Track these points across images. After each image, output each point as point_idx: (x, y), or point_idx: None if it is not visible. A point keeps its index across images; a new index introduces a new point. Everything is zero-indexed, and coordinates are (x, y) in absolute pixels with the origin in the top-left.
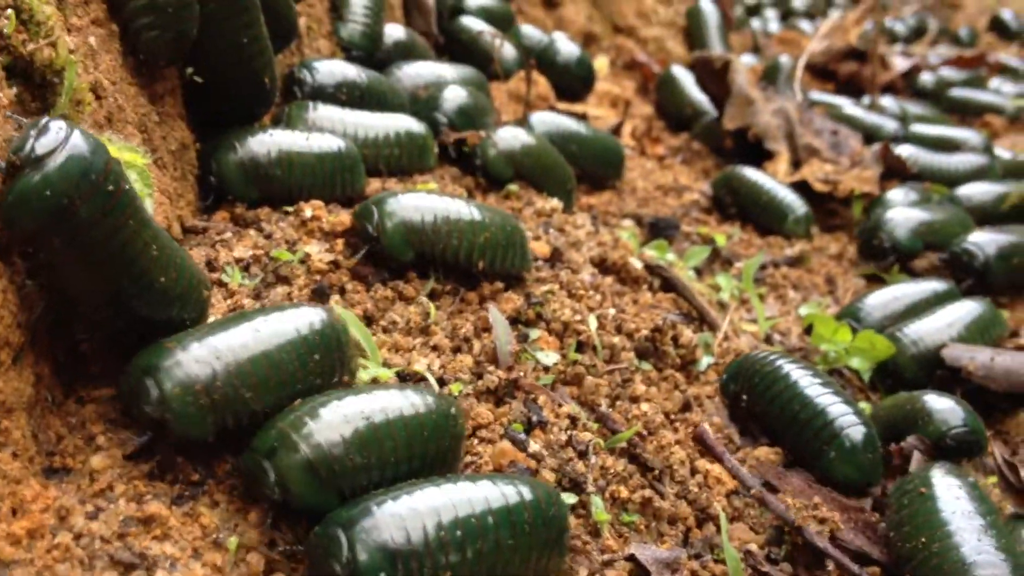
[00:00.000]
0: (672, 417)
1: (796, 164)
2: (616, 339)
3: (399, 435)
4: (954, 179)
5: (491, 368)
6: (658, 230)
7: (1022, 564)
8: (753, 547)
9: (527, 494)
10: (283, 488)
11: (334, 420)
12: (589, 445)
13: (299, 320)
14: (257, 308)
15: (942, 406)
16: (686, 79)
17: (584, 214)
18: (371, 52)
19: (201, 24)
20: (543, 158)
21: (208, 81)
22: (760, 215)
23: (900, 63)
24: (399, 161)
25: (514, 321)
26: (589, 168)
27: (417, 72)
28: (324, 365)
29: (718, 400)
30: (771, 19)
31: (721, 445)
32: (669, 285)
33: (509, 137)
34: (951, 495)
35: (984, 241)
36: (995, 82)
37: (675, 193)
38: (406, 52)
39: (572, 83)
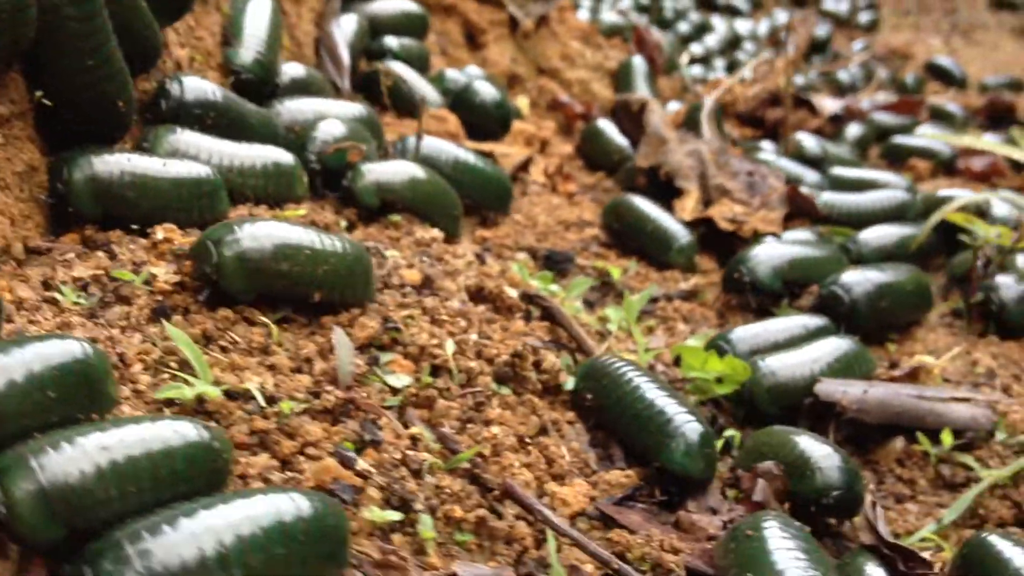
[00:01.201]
0: (526, 441)
1: (707, 203)
2: (474, 363)
3: (144, 468)
4: (870, 220)
5: (329, 388)
6: (552, 263)
7: None
8: (588, 568)
9: (302, 507)
10: (12, 515)
11: (74, 452)
12: (424, 464)
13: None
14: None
15: (827, 464)
16: (612, 129)
17: (468, 245)
18: (263, 79)
19: (48, 47)
20: (423, 187)
21: (58, 104)
22: (645, 244)
23: (829, 106)
24: (265, 191)
25: (369, 345)
26: (475, 198)
27: (299, 108)
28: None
29: (580, 426)
30: (719, 68)
31: (529, 496)
32: (548, 314)
33: (380, 167)
34: (779, 536)
35: (851, 282)
36: (925, 127)
37: (576, 228)
38: (303, 90)
39: (489, 124)
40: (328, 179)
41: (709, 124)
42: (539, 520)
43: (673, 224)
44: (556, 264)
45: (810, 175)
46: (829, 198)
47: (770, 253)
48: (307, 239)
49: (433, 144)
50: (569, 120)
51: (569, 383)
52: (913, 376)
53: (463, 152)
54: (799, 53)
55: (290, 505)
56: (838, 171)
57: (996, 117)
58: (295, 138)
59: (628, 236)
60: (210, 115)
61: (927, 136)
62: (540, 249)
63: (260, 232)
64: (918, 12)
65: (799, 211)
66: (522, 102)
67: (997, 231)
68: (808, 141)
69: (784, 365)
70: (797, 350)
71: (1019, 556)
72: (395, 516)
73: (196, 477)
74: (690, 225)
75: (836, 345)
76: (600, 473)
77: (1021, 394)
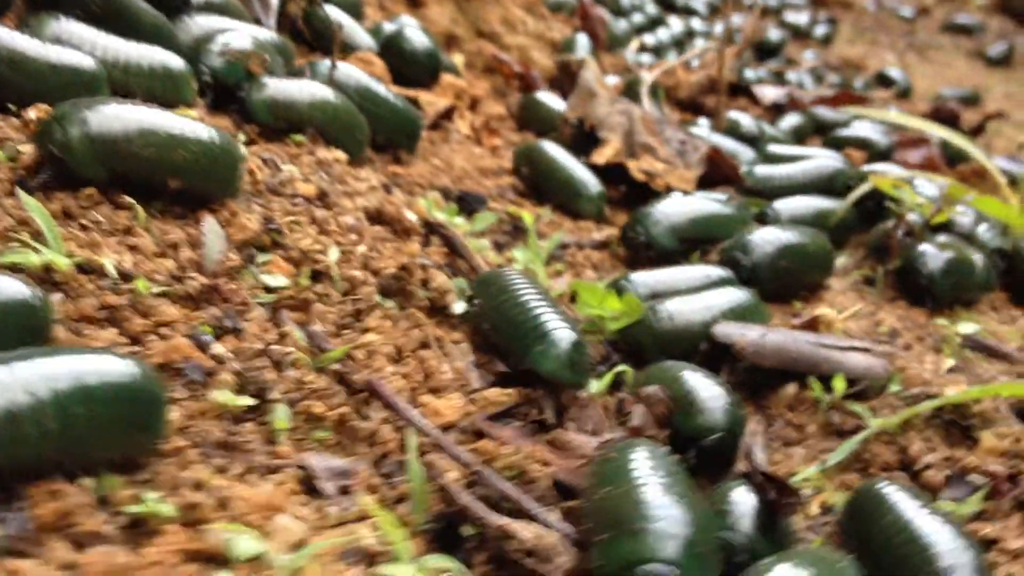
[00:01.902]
0: (405, 352)
1: (630, 158)
2: (358, 273)
3: None
4: (801, 191)
5: (194, 275)
6: (464, 203)
7: (701, 514)
8: (453, 475)
9: (108, 367)
10: None
11: None
12: (288, 358)
13: None
14: None
15: (712, 405)
16: (552, 99)
17: (376, 175)
18: None
19: None
20: (326, 108)
21: None
22: (556, 192)
23: (769, 94)
24: (151, 92)
25: (248, 245)
26: (383, 131)
27: (206, 23)
28: None
29: (467, 347)
30: (669, 59)
31: (394, 394)
32: (449, 243)
33: (280, 83)
34: (640, 457)
35: (752, 244)
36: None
37: (495, 176)
38: (216, 12)
39: (418, 72)
40: (223, 93)
41: (648, 96)
42: (401, 418)
43: (584, 173)
44: (468, 204)
45: (746, 153)
46: (760, 171)
47: (667, 211)
48: (164, 122)
49: (345, 70)
50: (506, 79)
51: (459, 305)
52: (813, 326)
53: (375, 83)
54: (744, 43)
55: (94, 364)
56: (773, 148)
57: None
58: (191, 50)
59: (539, 183)
60: (96, 2)
61: (874, 114)
62: (454, 190)
63: (110, 111)
64: (876, 30)
65: (720, 175)
66: (457, 59)
67: (922, 199)
68: (744, 119)
69: (677, 310)
70: (692, 296)
71: (905, 503)
72: (247, 401)
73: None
74: (603, 171)
75: (732, 295)
76: (480, 391)
77: (922, 353)
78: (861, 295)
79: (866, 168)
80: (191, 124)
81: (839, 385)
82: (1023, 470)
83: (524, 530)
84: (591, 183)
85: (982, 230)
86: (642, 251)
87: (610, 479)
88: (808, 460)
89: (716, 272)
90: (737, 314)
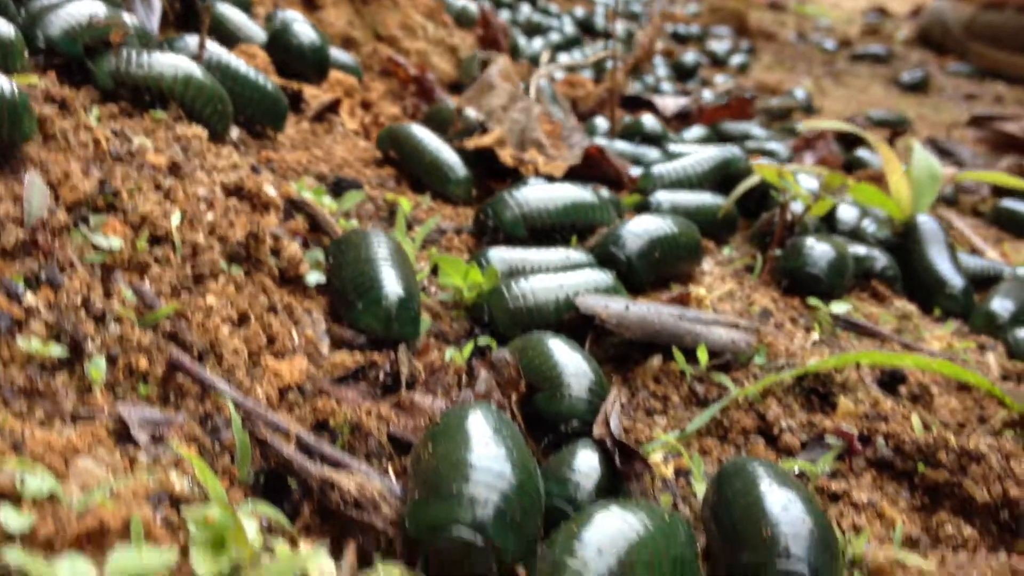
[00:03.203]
0: (248, 316)
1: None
2: (202, 239)
3: None
4: (697, 183)
5: (12, 228)
6: (339, 188)
7: (523, 480)
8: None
9: None
10: None
11: None
12: (110, 313)
13: None
14: None
15: (576, 392)
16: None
17: (240, 153)
18: None
19: None
20: (183, 79)
21: None
22: (423, 175)
23: (671, 105)
24: None
25: (80, 205)
26: (247, 110)
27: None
28: None
29: (319, 316)
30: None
31: (197, 367)
32: (313, 221)
33: (125, 51)
34: (473, 420)
35: (625, 238)
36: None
37: (376, 166)
38: None
39: (305, 67)
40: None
41: (536, 87)
42: (206, 386)
43: (451, 156)
44: (343, 189)
45: (652, 154)
46: (656, 170)
47: (518, 199)
48: None
49: (213, 48)
50: (402, 83)
51: (313, 276)
52: (682, 301)
53: (236, 60)
54: (641, 54)
55: None
56: (675, 147)
57: (846, 142)
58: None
59: (406, 166)
60: None
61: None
62: (330, 176)
63: None
64: (796, 60)
65: (599, 174)
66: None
67: (805, 191)
68: (648, 119)
69: (531, 287)
70: (548, 274)
71: (758, 472)
72: (58, 351)
73: None
74: (471, 156)
75: (590, 276)
76: (328, 357)
77: (792, 332)
78: (739, 281)
79: (752, 163)
80: None
81: (703, 356)
82: (878, 430)
83: (347, 480)
84: (457, 166)
85: (866, 223)
86: (490, 235)
87: (435, 440)
88: (670, 428)
89: (577, 255)
90: (591, 293)
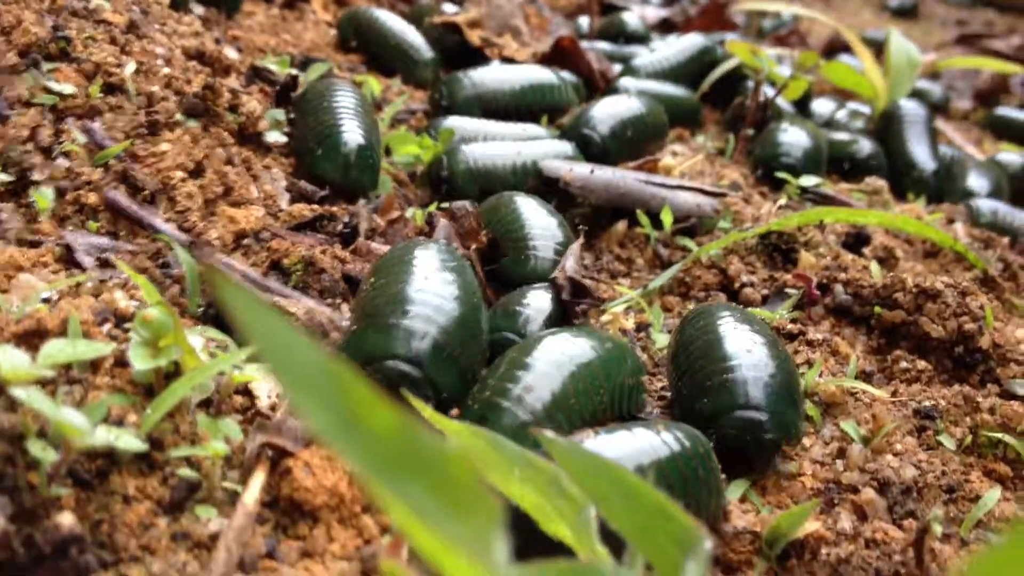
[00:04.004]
0: (203, 164)
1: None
2: (158, 89)
3: None
4: (677, 72)
5: None
6: (306, 66)
7: (465, 314)
8: (231, 262)
9: None
10: None
11: None
12: (58, 147)
13: None
14: None
15: (542, 253)
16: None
17: (197, 20)
18: None
19: None
20: None
21: None
22: (389, 58)
23: (650, 14)
24: None
25: (31, 49)
26: None
27: None
28: None
29: (279, 171)
30: None
31: (136, 206)
32: (273, 84)
33: None
34: (420, 254)
35: (596, 118)
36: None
37: (345, 52)
38: None
39: None
40: None
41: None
42: (144, 225)
43: (416, 38)
44: (308, 63)
45: (636, 53)
46: (637, 62)
47: (474, 78)
48: None
49: None
50: None
51: (272, 134)
52: (649, 169)
53: None
54: None
55: None
56: (658, 43)
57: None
58: None
59: (371, 50)
60: None
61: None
62: (299, 58)
63: None
64: None
65: (572, 66)
66: None
67: (779, 69)
68: (631, 18)
69: (489, 151)
70: (507, 141)
71: (732, 319)
72: (3, 177)
73: None
74: (446, 41)
75: (551, 144)
76: (287, 209)
77: (761, 202)
78: (711, 161)
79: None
80: None
81: (667, 219)
82: (837, 279)
83: (295, 306)
84: (423, 47)
85: (842, 115)
86: (443, 115)
87: (378, 272)
88: (634, 289)
89: (536, 129)
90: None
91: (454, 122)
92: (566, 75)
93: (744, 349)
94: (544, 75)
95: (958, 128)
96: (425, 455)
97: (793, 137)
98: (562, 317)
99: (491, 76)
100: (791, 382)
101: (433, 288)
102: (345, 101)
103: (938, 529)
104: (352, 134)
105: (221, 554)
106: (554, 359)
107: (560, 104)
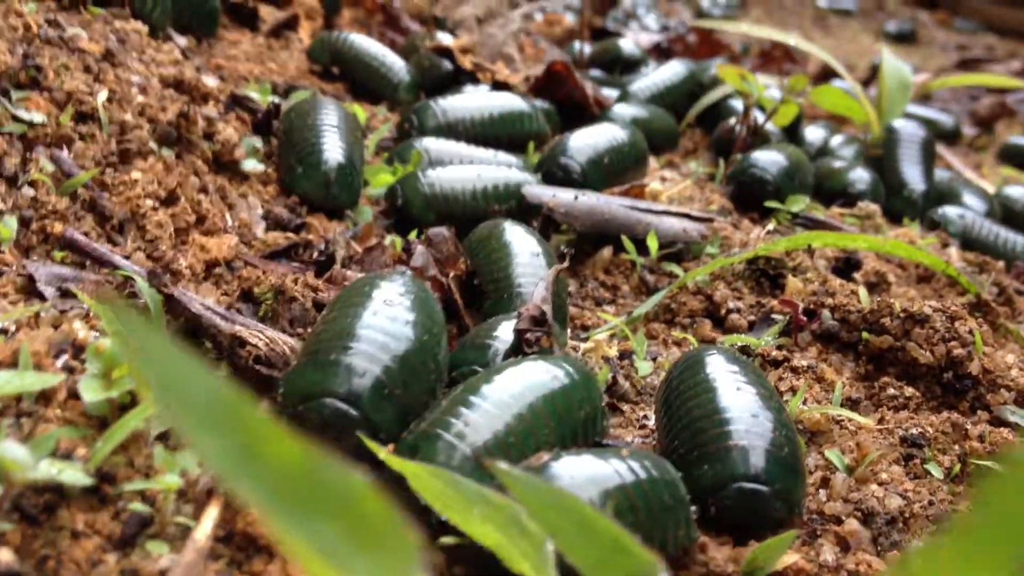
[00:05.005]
0: (176, 193)
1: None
2: (130, 118)
3: None
4: (661, 97)
5: None
6: (287, 93)
7: (413, 351)
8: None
9: None
10: None
11: None
12: (23, 176)
13: None
14: None
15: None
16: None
17: (177, 49)
18: None
19: None
20: None
21: None
22: (367, 81)
23: (644, 39)
24: None
25: (2, 78)
26: (177, 8)
27: None
28: None
29: (256, 200)
30: None
31: (93, 245)
32: (253, 113)
33: None
34: (380, 288)
35: (575, 147)
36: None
37: (331, 80)
38: None
39: None
40: None
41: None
42: (104, 262)
43: (395, 61)
44: (292, 89)
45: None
46: (633, 87)
47: (444, 106)
48: None
49: None
50: (368, 12)
51: (250, 163)
52: (635, 195)
53: None
54: None
55: None
56: (652, 67)
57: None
58: None
59: (349, 74)
60: None
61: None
62: (283, 87)
63: None
64: (787, 13)
65: (565, 93)
66: None
67: (768, 92)
68: (626, 43)
69: (448, 176)
70: (467, 165)
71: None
72: None
73: None
74: (429, 64)
75: (513, 172)
76: (262, 238)
77: (749, 228)
78: (700, 187)
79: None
80: None
81: (652, 244)
82: (824, 304)
83: (255, 338)
84: (400, 69)
85: (836, 142)
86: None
87: (333, 306)
88: (619, 316)
89: (507, 157)
90: (512, 191)
91: (424, 143)
92: (539, 103)
93: (749, 413)
94: (516, 103)
95: (956, 153)
96: (332, 489)
97: (767, 155)
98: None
99: (461, 103)
100: (797, 452)
101: (381, 324)
102: (328, 119)
103: None
104: (333, 152)
105: None
106: (496, 397)
107: (532, 133)
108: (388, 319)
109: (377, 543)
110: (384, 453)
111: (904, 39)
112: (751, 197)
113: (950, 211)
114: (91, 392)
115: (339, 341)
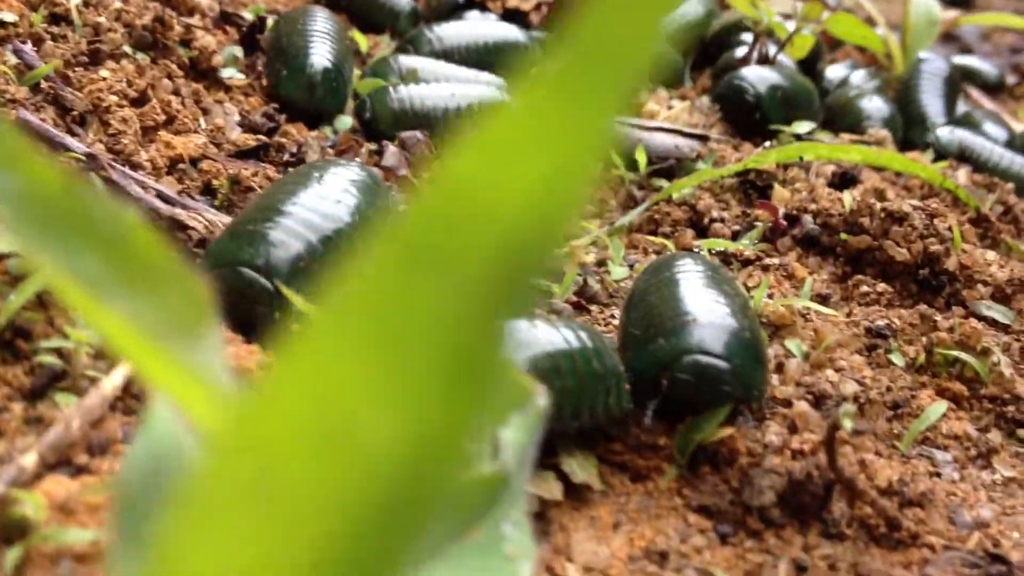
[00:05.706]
0: (147, 95)
1: None
2: (104, 20)
3: None
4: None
5: None
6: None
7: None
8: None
9: None
10: None
11: None
12: None
13: None
14: None
15: None
16: None
17: None
18: None
19: None
20: None
21: None
22: (368, 13)
23: None
24: None
25: None
26: None
27: None
28: None
29: (232, 106)
30: None
31: (46, 127)
32: (246, 32)
33: None
34: (329, 172)
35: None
36: None
37: (340, 9)
38: None
39: None
40: None
41: None
42: (54, 145)
43: None
44: None
45: None
46: None
47: (438, 33)
48: None
49: None
50: None
51: (228, 71)
52: (631, 113)
53: None
54: None
55: None
56: None
57: None
58: None
59: (350, 5)
60: None
61: None
62: (283, 11)
63: None
64: None
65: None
66: None
67: (778, 18)
68: None
69: (420, 92)
70: (444, 83)
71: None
72: None
73: None
74: None
75: (492, 91)
76: (233, 140)
77: (749, 151)
78: (706, 115)
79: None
80: None
81: (641, 159)
82: (807, 209)
83: (194, 220)
84: (404, 1)
85: (857, 77)
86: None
87: (276, 184)
88: (603, 228)
89: (488, 76)
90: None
91: (402, 59)
92: (537, 34)
93: (711, 299)
94: (511, 33)
95: (995, 101)
96: (95, 217)
97: (755, 71)
98: None
99: (455, 31)
100: (758, 338)
101: (313, 203)
102: (318, 26)
103: (848, 425)
104: (319, 57)
105: (58, 426)
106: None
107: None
108: (321, 198)
109: (153, 283)
110: (299, 299)
111: (959, 4)
112: (736, 114)
113: (942, 130)
114: (7, 246)
115: (263, 213)
